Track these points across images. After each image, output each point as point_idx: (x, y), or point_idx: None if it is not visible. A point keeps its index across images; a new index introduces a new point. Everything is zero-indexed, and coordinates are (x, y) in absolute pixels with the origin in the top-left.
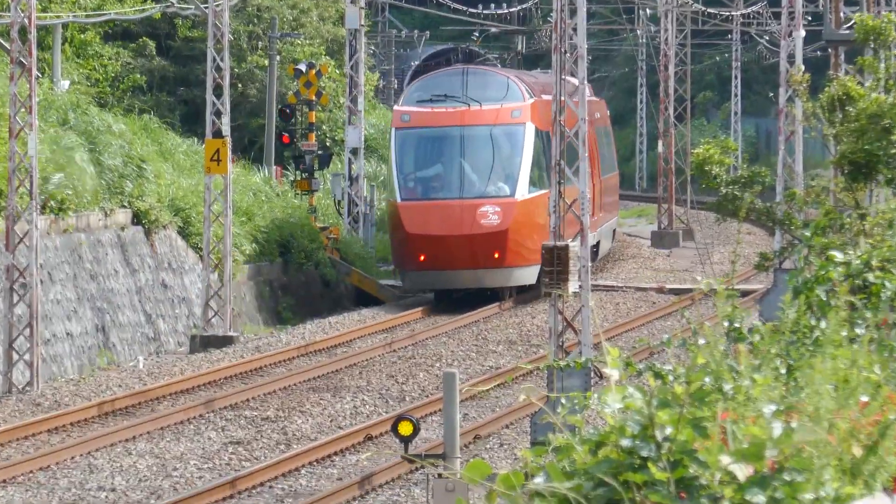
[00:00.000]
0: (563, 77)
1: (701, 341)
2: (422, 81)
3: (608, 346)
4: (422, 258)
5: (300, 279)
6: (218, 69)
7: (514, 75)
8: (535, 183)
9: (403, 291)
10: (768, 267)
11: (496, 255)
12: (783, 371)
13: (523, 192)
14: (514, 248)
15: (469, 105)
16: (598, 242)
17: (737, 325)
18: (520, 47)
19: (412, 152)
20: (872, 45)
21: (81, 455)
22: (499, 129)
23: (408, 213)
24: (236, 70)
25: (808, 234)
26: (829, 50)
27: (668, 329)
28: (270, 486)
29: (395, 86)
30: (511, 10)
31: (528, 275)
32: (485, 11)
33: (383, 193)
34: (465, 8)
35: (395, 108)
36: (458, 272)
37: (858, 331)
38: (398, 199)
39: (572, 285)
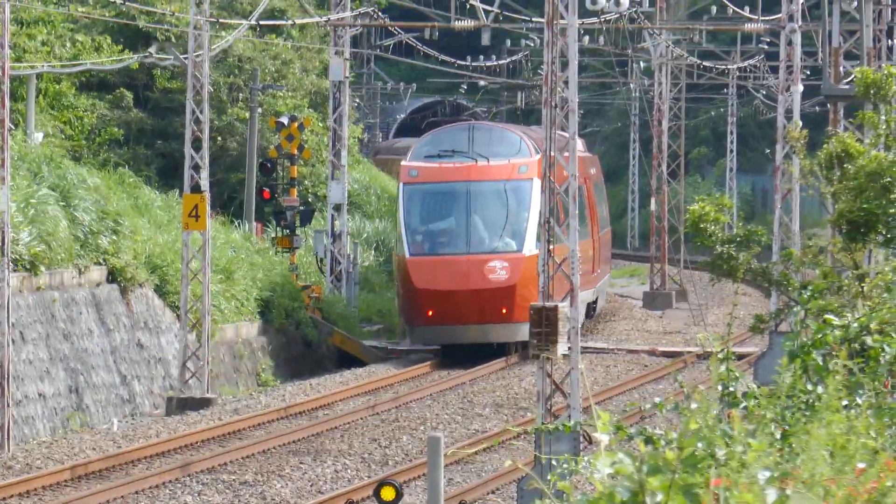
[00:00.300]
0: (553, 131)
1: (693, 406)
2: (430, 137)
3: (598, 409)
4: (430, 313)
5: (281, 340)
6: (197, 121)
7: (519, 131)
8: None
9: (412, 345)
10: (764, 329)
11: (504, 311)
12: (778, 436)
13: (531, 247)
14: (521, 303)
15: (476, 161)
16: (596, 299)
17: (731, 388)
18: (519, 101)
19: (420, 207)
20: (872, 100)
21: None
22: (506, 185)
23: (416, 268)
24: (216, 122)
25: (805, 296)
26: (828, 105)
27: (661, 393)
28: None
29: (380, 139)
30: (500, 62)
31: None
32: (473, 64)
33: (394, 249)
34: (452, 60)
35: (403, 163)
36: (466, 327)
37: (858, 399)
38: (406, 255)
39: (561, 347)
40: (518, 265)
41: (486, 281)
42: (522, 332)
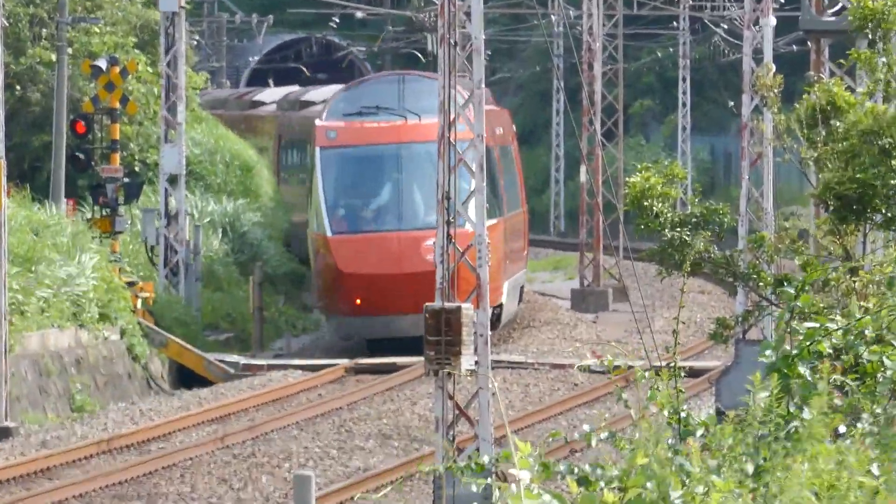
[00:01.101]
0: (452, 78)
1: (637, 435)
2: (348, 92)
3: (516, 440)
4: (357, 301)
5: (99, 352)
6: None
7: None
8: (504, 207)
9: (340, 338)
10: (728, 337)
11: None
12: (750, 472)
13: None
14: (466, 289)
15: (407, 118)
16: (500, 304)
17: (682, 414)
18: (429, 45)
19: (342, 175)
20: (870, 36)
21: None
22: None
23: (340, 249)
24: (13, 67)
25: (791, 291)
26: (809, 44)
27: (594, 419)
28: None
29: (229, 87)
30: None
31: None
32: None
33: (308, 224)
34: None
35: (318, 123)
36: (400, 317)
37: (857, 425)
38: (328, 232)
39: (466, 361)
40: (462, 242)
41: (423, 262)
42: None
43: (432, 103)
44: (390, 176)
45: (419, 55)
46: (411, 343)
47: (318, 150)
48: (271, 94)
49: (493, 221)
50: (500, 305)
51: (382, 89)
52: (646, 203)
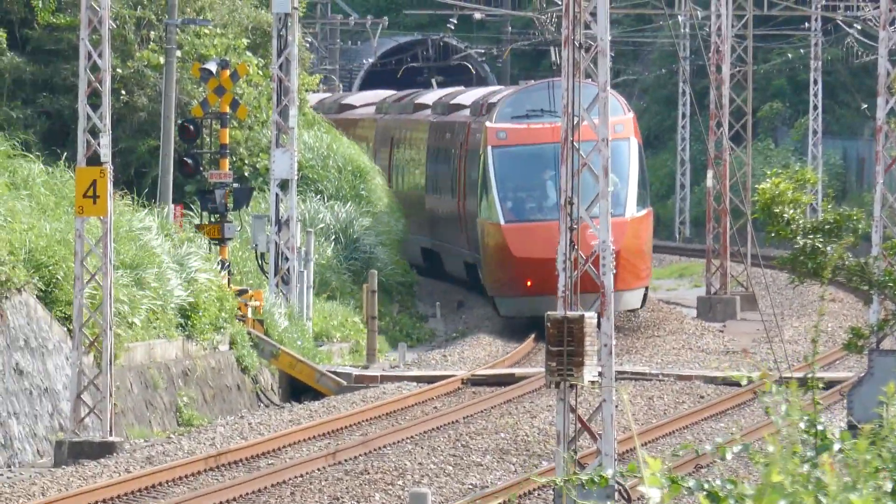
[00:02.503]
0: (577, 80)
1: (771, 449)
2: (512, 97)
3: (644, 455)
4: (528, 283)
5: (207, 363)
6: (94, 69)
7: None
8: (641, 201)
9: (507, 317)
10: (862, 347)
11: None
12: (889, 490)
13: (632, 210)
14: (625, 270)
15: None
16: (647, 286)
17: (819, 426)
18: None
19: (512, 171)
20: None
21: None
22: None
23: (513, 236)
24: (120, 71)
25: None
26: None
27: (722, 433)
28: None
29: (342, 91)
30: None
31: (635, 299)
32: None
33: (481, 215)
34: None
35: (489, 124)
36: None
37: None
38: (501, 221)
39: (589, 372)
40: (622, 230)
41: (587, 247)
42: (625, 300)
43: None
44: (553, 171)
45: (548, 56)
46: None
47: (489, 148)
48: (383, 96)
49: (645, 211)
50: (647, 288)
51: (540, 94)
52: (776, 210)
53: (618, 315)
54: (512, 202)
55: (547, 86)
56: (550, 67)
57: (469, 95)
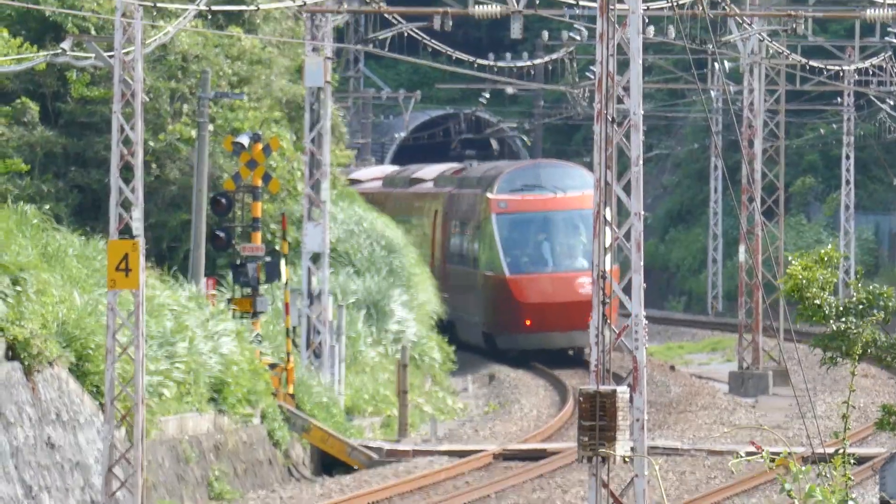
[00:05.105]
0: (610, 153)
1: None
2: (507, 175)
3: None
4: (528, 322)
5: (239, 437)
6: (126, 142)
7: (577, 166)
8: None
9: (506, 350)
10: (894, 425)
11: (589, 319)
12: None
13: (608, 266)
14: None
15: (556, 193)
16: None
17: (850, 503)
18: (572, 111)
19: (512, 232)
20: None
21: None
22: (585, 213)
23: (517, 285)
24: (152, 144)
25: None
26: None
27: None
28: None
29: (374, 164)
30: (535, 62)
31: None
32: (498, 64)
33: (482, 269)
34: (470, 59)
35: (490, 196)
36: (556, 334)
37: None
38: (506, 273)
39: (621, 446)
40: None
41: (575, 294)
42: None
43: (569, 182)
44: (548, 233)
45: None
46: (558, 354)
47: (493, 215)
48: (414, 170)
49: (616, 266)
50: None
51: (532, 172)
52: (807, 295)
53: (649, 390)
54: (513, 258)
55: (534, 166)
56: (582, 142)
57: (429, 171)
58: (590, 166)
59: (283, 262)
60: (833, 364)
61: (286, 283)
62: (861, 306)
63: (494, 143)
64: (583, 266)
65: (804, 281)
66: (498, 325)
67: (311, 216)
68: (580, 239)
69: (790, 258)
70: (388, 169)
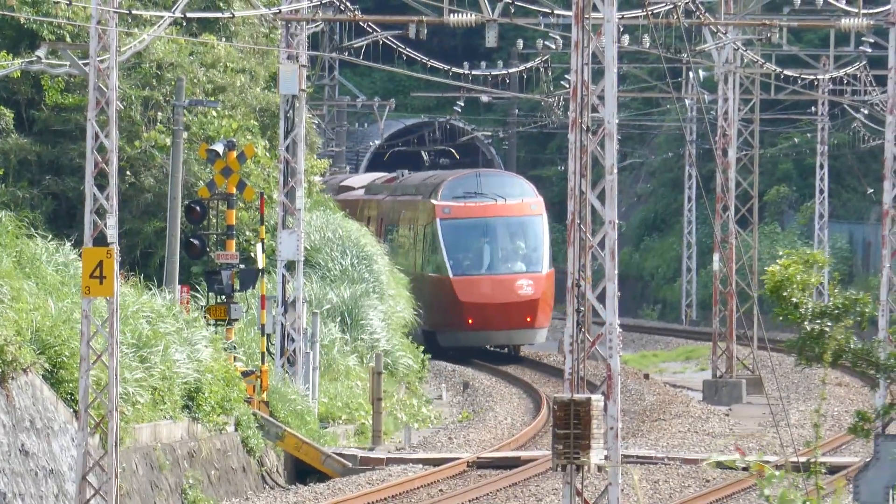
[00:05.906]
0: (584, 162)
1: None
2: (450, 182)
3: None
4: (470, 321)
5: (213, 444)
6: (101, 149)
7: (516, 175)
8: (551, 262)
9: (449, 348)
10: (868, 431)
11: (528, 319)
12: None
13: (546, 268)
14: (541, 313)
15: (497, 200)
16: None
17: None
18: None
19: (457, 238)
20: None
21: None
22: (524, 219)
23: (460, 286)
24: (127, 151)
25: None
26: None
27: None
28: None
29: (348, 172)
30: (510, 70)
31: (543, 336)
32: (472, 72)
33: (425, 270)
34: (445, 67)
35: (435, 202)
36: (496, 332)
37: None
38: (451, 275)
39: (595, 455)
40: (539, 282)
41: (516, 295)
42: (539, 336)
43: (506, 190)
44: (490, 238)
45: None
46: (496, 353)
47: (438, 220)
48: (383, 177)
49: (552, 269)
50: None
51: (473, 180)
52: (784, 294)
53: (623, 398)
54: (457, 260)
55: (475, 175)
56: (557, 150)
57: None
58: (564, 175)
59: (259, 246)
60: (808, 366)
61: (263, 268)
62: (837, 311)
63: (485, 148)
64: (521, 269)
65: (785, 278)
66: (440, 324)
67: (285, 224)
68: (519, 244)
69: (780, 254)
70: (371, 176)
